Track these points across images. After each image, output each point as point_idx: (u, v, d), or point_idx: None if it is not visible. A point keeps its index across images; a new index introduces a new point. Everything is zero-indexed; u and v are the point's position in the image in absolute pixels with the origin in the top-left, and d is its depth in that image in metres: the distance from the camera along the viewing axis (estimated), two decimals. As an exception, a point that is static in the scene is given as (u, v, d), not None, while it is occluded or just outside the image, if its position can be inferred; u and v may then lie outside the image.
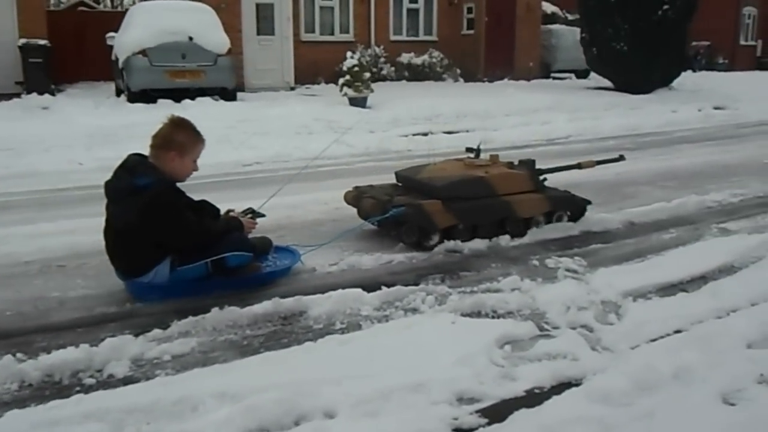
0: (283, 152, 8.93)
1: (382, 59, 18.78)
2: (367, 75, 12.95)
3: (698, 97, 16.10)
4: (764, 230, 5.10)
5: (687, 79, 19.26)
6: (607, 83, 17.58)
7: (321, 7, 18.71)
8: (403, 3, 19.91)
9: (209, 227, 3.81)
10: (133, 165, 3.64)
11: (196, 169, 3.82)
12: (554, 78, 21.20)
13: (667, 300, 3.74)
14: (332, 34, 19.01)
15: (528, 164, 5.17)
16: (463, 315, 3.46)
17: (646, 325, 3.32)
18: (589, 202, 5.28)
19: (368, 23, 19.26)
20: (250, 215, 4.10)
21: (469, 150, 5.34)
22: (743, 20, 29.63)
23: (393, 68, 18.95)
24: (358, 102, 12.86)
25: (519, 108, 13.47)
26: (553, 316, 3.47)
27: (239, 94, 14.12)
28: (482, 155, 5.28)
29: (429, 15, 20.33)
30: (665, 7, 15.86)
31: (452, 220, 4.60)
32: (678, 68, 17.30)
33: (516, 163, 5.22)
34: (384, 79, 18.33)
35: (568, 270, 4.23)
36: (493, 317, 3.49)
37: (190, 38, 12.90)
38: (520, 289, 3.85)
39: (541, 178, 5.11)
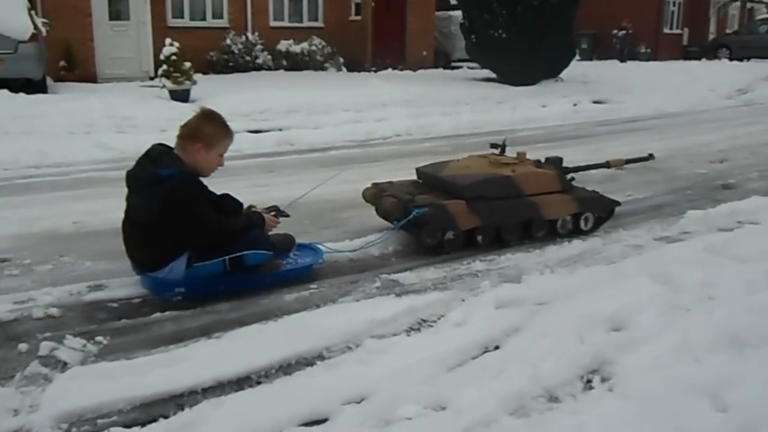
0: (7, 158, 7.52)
1: (258, 47, 17.27)
2: (188, 65, 11.47)
3: (583, 90, 14.97)
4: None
5: (585, 69, 18.16)
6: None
7: (190, -10, 17.10)
8: (284, -14, 18.37)
9: (229, 224, 3.73)
10: (157, 155, 3.60)
11: (221, 164, 3.77)
12: (454, 68, 19.84)
13: None
14: (204, 19, 17.42)
15: (555, 162, 5.03)
16: None
17: None
18: (618, 204, 5.07)
19: (244, 8, 17.69)
20: (273, 213, 4.02)
21: (493, 146, 5.06)
22: (668, 7, 28.53)
23: (270, 57, 17.46)
24: (180, 95, 11.42)
25: (368, 102, 12.20)
26: None
27: (66, 85, 12.76)
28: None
29: (314, 0, 18.83)
30: (546, -9, 14.56)
31: (476, 222, 4.42)
32: (566, 58, 16.04)
33: (543, 161, 5.03)
34: (260, 68, 16.91)
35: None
36: None
37: (-19, 21, 11.30)
38: None
39: (569, 177, 4.89)
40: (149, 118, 10.03)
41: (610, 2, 26.17)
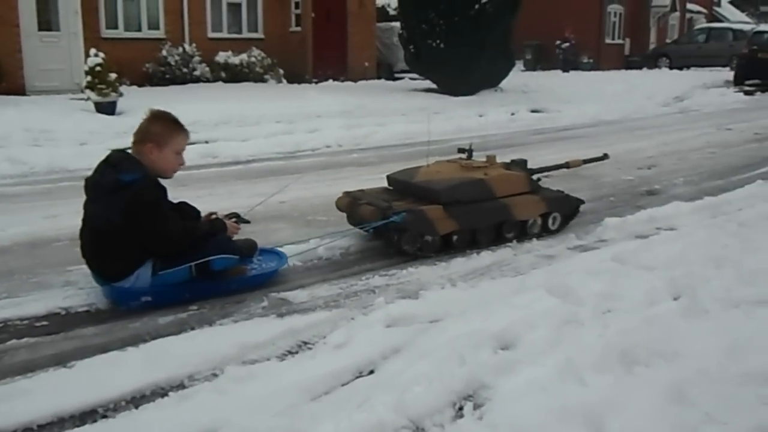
0: None
1: (196, 58, 16.84)
2: (113, 76, 11.02)
3: (523, 99, 14.91)
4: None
5: (527, 79, 18.17)
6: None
7: (124, 0, 16.57)
8: (222, -4, 17.97)
9: (192, 229, 3.67)
10: (118, 160, 3.53)
11: (181, 162, 3.69)
12: (396, 79, 19.67)
13: None
14: (139, 30, 16.90)
15: (521, 164, 5.09)
16: None
17: None
18: (583, 202, 5.16)
19: (181, 19, 17.23)
20: (234, 219, 3.95)
21: (461, 150, 5.13)
22: (609, 18, 28.90)
23: (208, 68, 17.04)
24: (106, 108, 10.96)
25: (303, 113, 11.91)
26: None
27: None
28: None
29: (253, 10, 18.43)
30: (483, 1, 14.44)
31: (453, 226, 4.41)
32: (505, 67, 15.98)
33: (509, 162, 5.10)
34: (198, 80, 16.46)
35: None
36: None
37: None
38: None
39: (535, 178, 4.97)
40: (70, 131, 9.62)
41: (553, 13, 26.43)
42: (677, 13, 34.42)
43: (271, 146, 9.43)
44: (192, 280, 3.63)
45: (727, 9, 45.18)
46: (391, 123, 11.64)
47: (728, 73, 21.65)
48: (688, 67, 25.20)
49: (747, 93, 18.53)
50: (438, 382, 2.45)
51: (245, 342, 3.07)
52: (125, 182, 3.41)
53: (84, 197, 3.64)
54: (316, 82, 17.39)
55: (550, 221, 4.89)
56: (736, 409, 2.26)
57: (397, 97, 14.56)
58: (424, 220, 4.30)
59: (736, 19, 38.93)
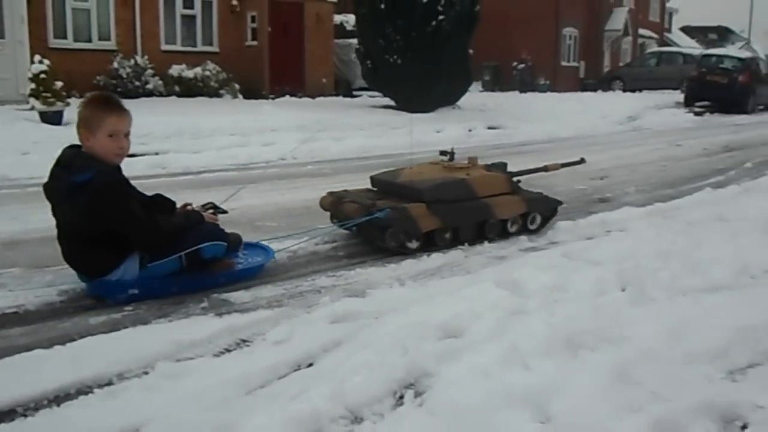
0: None
1: (149, 71, 16.56)
2: (59, 84, 10.74)
3: (480, 117, 15.03)
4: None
5: (485, 99, 18.34)
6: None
7: (74, 9, 16.17)
8: (176, 8, 17.66)
9: (165, 223, 3.54)
10: (68, 161, 3.38)
11: (120, 146, 3.43)
12: (355, 96, 19.64)
13: None
14: (89, 41, 16.58)
15: (501, 167, 5.21)
16: None
17: None
18: (561, 203, 5.26)
19: (133, 30, 16.96)
20: (211, 210, 3.87)
21: (443, 153, 5.23)
22: (564, 41, 29.43)
23: (161, 82, 16.78)
24: (51, 118, 10.65)
25: (257, 127, 11.77)
26: None
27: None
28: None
29: (208, 23, 18.25)
30: (440, 17, 14.52)
31: (436, 224, 4.48)
32: (463, 85, 16.07)
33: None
34: (150, 93, 16.16)
35: None
36: None
37: None
38: None
39: (515, 180, 5.09)
40: (11, 141, 9.29)
41: (510, 36, 26.86)
42: (630, 38, 35.27)
43: (224, 158, 9.28)
44: (181, 272, 3.54)
45: (677, 35, 46.47)
46: (348, 137, 11.57)
47: (679, 96, 22.15)
48: (640, 90, 25.69)
49: (697, 114, 18.97)
50: (378, 372, 2.35)
51: (180, 340, 2.93)
52: (79, 183, 3.27)
53: (49, 203, 3.49)
54: (273, 98, 17.24)
55: (529, 221, 4.99)
56: (681, 387, 2.22)
57: (355, 113, 14.50)
58: (408, 218, 4.36)
59: (686, 45, 40.01)
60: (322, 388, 2.26)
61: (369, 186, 5.07)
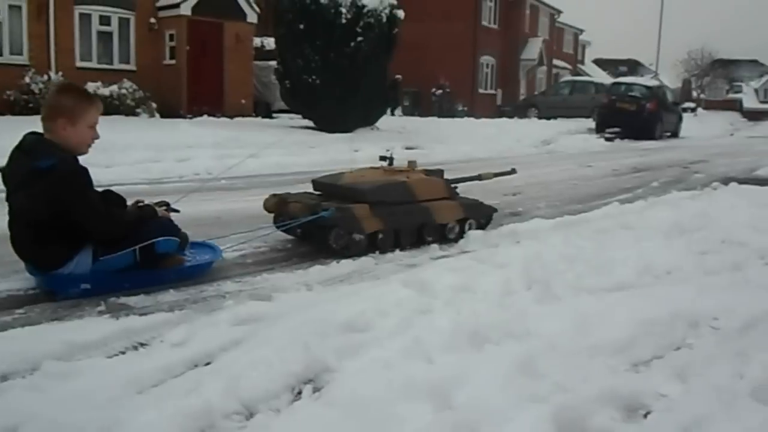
0: None
1: (62, 88, 15.98)
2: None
3: (398, 138, 15.11)
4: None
5: (404, 122, 18.54)
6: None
7: (-17, 22, 15.58)
8: (92, 25, 17.22)
9: (121, 215, 3.54)
10: (31, 146, 3.32)
11: (96, 136, 3.46)
12: (274, 118, 19.49)
13: None
14: (0, 54, 15.96)
15: (438, 173, 5.32)
16: None
17: None
18: (496, 210, 5.48)
19: (47, 45, 16.39)
20: (164, 208, 3.85)
21: (382, 159, 5.28)
22: (482, 69, 30.15)
23: (76, 99, 16.22)
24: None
25: (173, 144, 11.51)
26: None
27: None
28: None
29: (125, 40, 17.83)
30: (359, 39, 14.61)
31: (379, 225, 4.53)
32: (381, 107, 16.19)
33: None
34: (62, 111, 15.61)
35: None
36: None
37: None
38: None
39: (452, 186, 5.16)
40: None
41: (430, 63, 27.34)
42: (545, 67, 36.44)
43: (136, 173, 9.04)
44: (134, 266, 3.50)
45: (590, 66, 48.38)
46: (264, 155, 11.41)
47: (591, 123, 22.92)
48: (555, 117, 26.44)
49: (607, 139, 19.67)
50: (277, 368, 2.26)
51: (72, 341, 2.76)
52: (42, 169, 3.20)
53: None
54: (191, 117, 16.93)
55: (467, 227, 5.08)
56: (584, 378, 2.23)
57: (273, 132, 14.37)
58: (352, 218, 4.41)
59: (598, 76, 41.62)
60: (217, 384, 2.16)
61: (310, 190, 5.10)
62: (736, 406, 2.26)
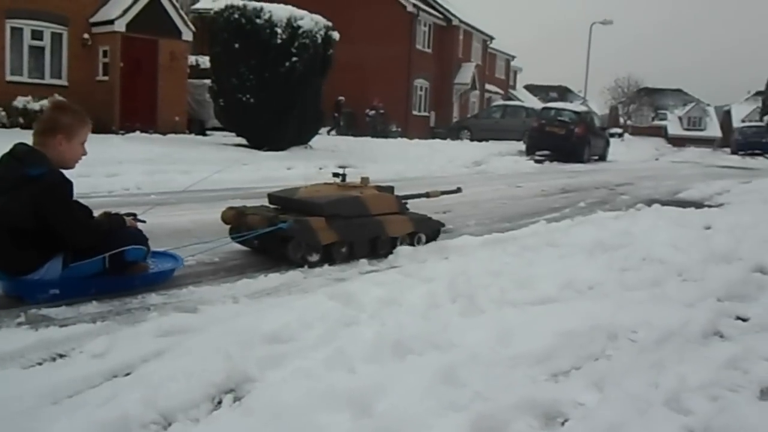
0: None
1: (-9, 102, 15.53)
2: None
3: (331, 157, 15.16)
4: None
5: (338, 141, 18.60)
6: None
7: None
8: (23, 39, 16.83)
9: (96, 224, 3.67)
10: (23, 154, 3.45)
11: (84, 153, 3.68)
12: (208, 135, 19.28)
13: None
14: (-73, 68, 15.38)
15: (389, 190, 5.50)
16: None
17: None
18: (443, 225, 5.78)
19: (-23, 59, 15.91)
20: (132, 218, 3.97)
21: (335, 175, 5.51)
22: (416, 91, 30.54)
23: (5, 113, 15.82)
24: None
25: (103, 159, 11.17)
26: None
27: None
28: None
29: (58, 56, 17.43)
30: (294, 59, 14.64)
31: (334, 237, 4.68)
32: (315, 126, 16.22)
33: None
34: (-8, 125, 15.17)
35: None
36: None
37: None
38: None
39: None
40: None
41: (364, 84, 27.56)
42: (477, 91, 37.18)
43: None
44: (102, 273, 3.62)
45: (521, 92, 49.62)
46: (195, 171, 11.25)
47: (521, 145, 23.45)
48: (486, 140, 26.95)
49: (537, 161, 20.14)
50: (198, 378, 2.24)
51: (-16, 353, 2.67)
52: (32, 176, 3.36)
53: None
54: (123, 133, 16.62)
55: (416, 240, 5.33)
56: (504, 387, 2.27)
57: (206, 149, 14.25)
58: (309, 229, 4.55)
59: (529, 101, 42.69)
60: (135, 394, 2.12)
61: (266, 203, 5.23)
62: (650, 414, 2.34)
